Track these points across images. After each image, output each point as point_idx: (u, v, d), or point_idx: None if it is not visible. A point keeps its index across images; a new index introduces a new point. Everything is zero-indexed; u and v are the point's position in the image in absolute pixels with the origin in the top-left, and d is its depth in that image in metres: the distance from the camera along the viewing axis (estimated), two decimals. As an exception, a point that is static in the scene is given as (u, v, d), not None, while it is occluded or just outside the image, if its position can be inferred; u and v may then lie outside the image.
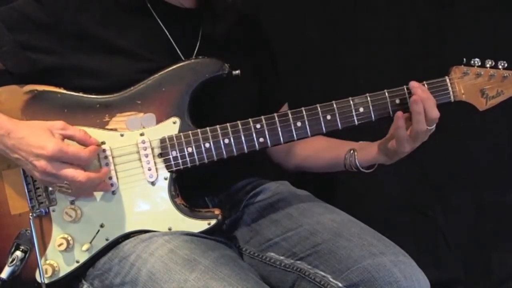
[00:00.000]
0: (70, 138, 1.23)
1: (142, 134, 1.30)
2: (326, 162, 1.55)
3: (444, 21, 2.02)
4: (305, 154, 1.60)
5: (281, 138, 1.32)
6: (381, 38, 2.03)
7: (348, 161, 1.46)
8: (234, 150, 1.31)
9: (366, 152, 1.44)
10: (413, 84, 1.33)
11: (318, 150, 1.57)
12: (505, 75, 1.36)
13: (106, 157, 1.29)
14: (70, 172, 1.19)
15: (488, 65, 1.36)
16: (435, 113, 1.30)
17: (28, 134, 1.19)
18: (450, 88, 1.36)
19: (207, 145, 1.30)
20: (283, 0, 2.03)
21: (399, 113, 1.31)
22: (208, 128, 1.31)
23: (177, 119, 1.31)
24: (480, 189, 2.12)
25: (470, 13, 2.00)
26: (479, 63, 1.36)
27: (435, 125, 1.33)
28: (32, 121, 1.25)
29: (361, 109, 1.33)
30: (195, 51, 1.42)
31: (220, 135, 1.30)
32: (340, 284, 1.23)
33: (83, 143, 1.24)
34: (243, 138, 1.31)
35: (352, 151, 1.45)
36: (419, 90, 1.31)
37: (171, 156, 1.30)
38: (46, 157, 1.17)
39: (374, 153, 1.41)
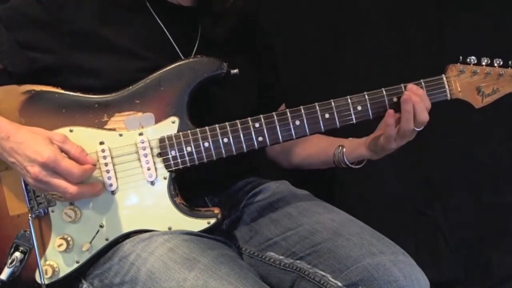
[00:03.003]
0: (66, 152, 1.21)
1: (141, 134, 1.30)
2: (320, 161, 1.56)
3: (444, 21, 2.03)
4: (304, 154, 1.60)
5: (280, 137, 1.32)
6: (380, 37, 2.04)
7: (337, 157, 1.47)
8: (233, 149, 1.31)
9: (353, 148, 1.45)
10: (409, 86, 1.33)
11: (315, 150, 1.57)
12: (501, 73, 1.37)
13: (105, 157, 1.28)
14: (62, 183, 1.18)
15: (484, 63, 1.37)
16: (424, 116, 1.31)
17: (27, 139, 1.19)
18: (446, 86, 1.36)
19: (206, 144, 1.30)
20: (283, 0, 2.03)
21: (391, 111, 1.32)
22: (207, 128, 1.31)
23: (176, 119, 1.31)
24: (480, 189, 2.13)
25: (469, 13, 2.01)
26: (475, 61, 1.37)
27: (422, 127, 1.33)
28: (33, 127, 1.24)
29: (359, 107, 1.33)
30: (194, 50, 1.43)
31: (219, 134, 1.30)
32: (339, 284, 1.23)
33: (78, 161, 1.21)
34: (242, 137, 1.31)
35: (340, 148, 1.46)
36: (411, 92, 1.32)
37: (170, 156, 1.30)
38: (39, 163, 1.16)
39: (361, 149, 1.43)
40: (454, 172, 2.11)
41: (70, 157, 1.21)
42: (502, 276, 2.13)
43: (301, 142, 1.57)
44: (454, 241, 2.13)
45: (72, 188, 1.19)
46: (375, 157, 1.42)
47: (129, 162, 1.29)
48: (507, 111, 2.00)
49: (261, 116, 1.31)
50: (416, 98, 1.31)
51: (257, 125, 1.31)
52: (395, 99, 1.34)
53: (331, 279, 1.25)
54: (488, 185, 2.12)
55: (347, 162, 1.45)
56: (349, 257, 1.25)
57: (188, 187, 1.34)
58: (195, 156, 1.30)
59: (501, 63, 1.37)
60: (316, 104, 1.32)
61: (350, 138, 1.49)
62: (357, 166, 1.46)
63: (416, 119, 1.31)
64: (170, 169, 1.30)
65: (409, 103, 1.30)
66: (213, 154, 1.30)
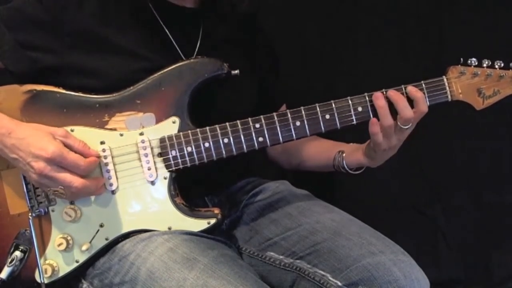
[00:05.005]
0: (69, 147, 1.22)
1: (141, 134, 1.30)
2: (320, 163, 1.56)
3: (444, 21, 2.03)
4: (305, 155, 1.60)
5: (280, 138, 1.32)
6: (380, 38, 2.03)
7: (337, 162, 1.47)
8: (234, 149, 1.31)
9: (353, 154, 1.45)
10: (409, 88, 1.33)
11: (315, 152, 1.57)
12: (502, 74, 1.36)
13: (105, 157, 1.28)
14: (67, 177, 1.19)
15: (484, 65, 1.37)
16: (409, 113, 1.30)
17: (29, 135, 1.19)
18: (447, 88, 1.36)
19: (206, 144, 1.30)
20: (283, 0, 2.03)
21: (374, 120, 1.32)
22: (207, 128, 1.31)
23: (176, 119, 1.31)
24: (480, 189, 2.12)
25: (469, 13, 2.01)
26: (476, 63, 1.36)
27: (410, 125, 1.33)
28: (34, 123, 1.24)
29: (360, 109, 1.33)
30: (196, 51, 1.42)
31: (219, 134, 1.31)
32: (339, 283, 1.23)
33: (82, 155, 1.22)
34: (242, 137, 1.31)
35: (340, 153, 1.46)
36: (410, 94, 1.32)
37: (170, 156, 1.30)
38: (45, 159, 1.17)
39: (359, 154, 1.43)
40: (454, 172, 2.11)
41: (74, 151, 1.22)
42: (502, 276, 2.13)
43: (302, 143, 1.57)
44: (454, 241, 2.13)
45: (78, 181, 1.19)
46: (372, 163, 1.42)
47: (129, 161, 1.30)
48: (507, 111, 2.00)
49: (262, 116, 1.31)
50: (398, 96, 1.31)
51: (257, 125, 1.31)
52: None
53: (331, 278, 1.25)
54: (488, 185, 2.12)
55: (346, 167, 1.45)
56: (349, 257, 1.25)
57: (188, 187, 1.34)
58: (195, 156, 1.30)
59: (502, 65, 1.37)
60: (317, 104, 1.32)
61: (351, 143, 1.49)
62: (356, 172, 1.46)
63: (400, 116, 1.30)
64: (171, 169, 1.30)
65: (380, 99, 1.30)
66: (214, 154, 1.30)
